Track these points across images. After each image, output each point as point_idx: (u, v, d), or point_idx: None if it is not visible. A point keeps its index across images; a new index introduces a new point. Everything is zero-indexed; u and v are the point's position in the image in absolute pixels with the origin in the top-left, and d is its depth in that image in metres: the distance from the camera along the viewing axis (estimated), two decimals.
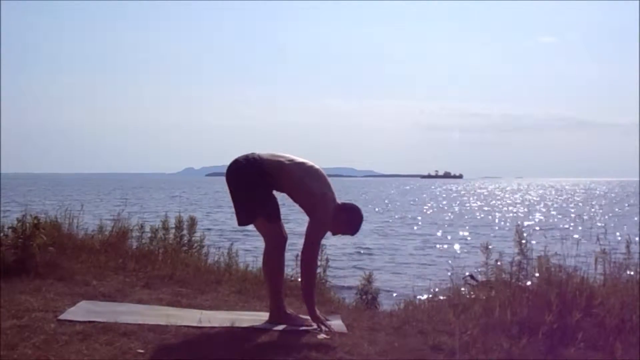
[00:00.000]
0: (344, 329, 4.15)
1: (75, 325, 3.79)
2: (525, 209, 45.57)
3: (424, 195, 75.88)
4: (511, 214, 39.00)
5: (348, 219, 4.26)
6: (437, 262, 16.10)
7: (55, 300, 4.44)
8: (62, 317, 3.98)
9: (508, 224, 27.70)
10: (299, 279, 4.42)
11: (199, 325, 3.98)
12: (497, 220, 33.18)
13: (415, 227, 28.64)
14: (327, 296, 5.63)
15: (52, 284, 4.98)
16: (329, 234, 4.30)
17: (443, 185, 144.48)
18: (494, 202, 59.39)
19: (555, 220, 33.53)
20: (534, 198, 69.85)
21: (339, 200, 4.28)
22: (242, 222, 4.19)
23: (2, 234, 5.56)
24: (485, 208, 47.75)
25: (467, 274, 6.26)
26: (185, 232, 6.86)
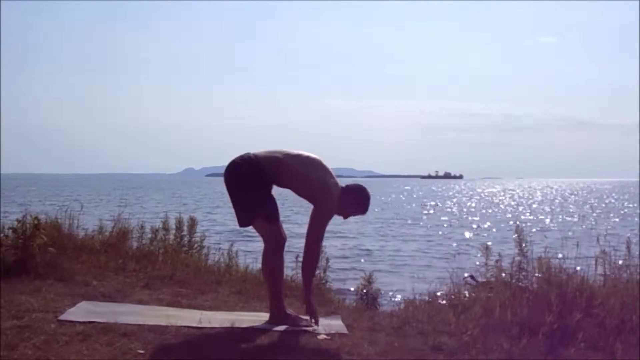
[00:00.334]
0: (344, 329, 4.15)
1: (76, 325, 3.79)
2: (525, 210, 45.56)
3: (424, 196, 75.89)
4: (511, 215, 38.99)
5: (355, 200, 4.29)
6: (437, 262, 16.09)
7: (55, 301, 4.44)
8: (62, 317, 3.98)
9: (508, 225, 27.68)
10: (300, 276, 4.42)
11: (199, 325, 3.98)
12: (497, 221, 33.17)
13: (415, 228, 28.64)
14: (327, 297, 5.63)
15: (52, 284, 4.98)
16: (338, 218, 4.29)
17: (443, 186, 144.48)
18: (494, 202, 59.38)
19: (556, 220, 33.52)
20: (534, 198, 69.83)
21: (342, 184, 4.28)
22: (242, 223, 4.20)
23: (2, 235, 5.56)
24: (485, 208, 47.74)
25: (467, 274, 6.25)
26: (185, 232, 6.86)
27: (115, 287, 5.12)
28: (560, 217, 36.81)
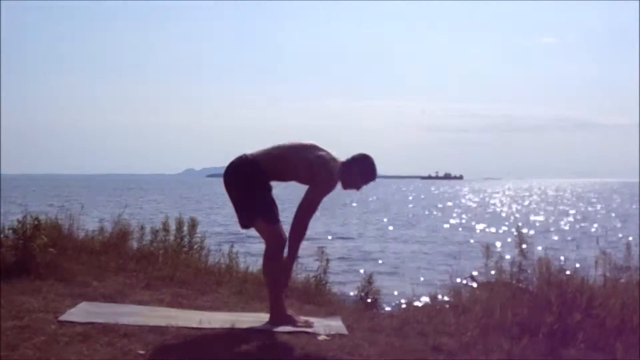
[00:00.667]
0: (344, 330, 4.15)
1: (76, 326, 3.79)
2: (526, 210, 45.55)
3: (425, 197, 75.89)
4: (512, 215, 38.97)
5: (362, 169, 4.27)
6: (437, 263, 16.10)
7: (55, 301, 4.44)
8: (62, 318, 3.97)
9: (508, 225, 27.68)
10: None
11: (200, 326, 3.98)
12: (497, 222, 33.15)
13: (415, 229, 28.63)
14: (327, 297, 5.63)
15: (52, 284, 4.98)
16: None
17: (443, 186, 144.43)
18: (494, 203, 59.36)
19: (556, 221, 33.52)
20: (535, 199, 69.81)
21: (342, 159, 4.27)
22: (243, 224, 4.21)
23: (2, 235, 5.57)
24: (485, 209, 47.72)
25: (467, 275, 6.25)
26: (185, 233, 6.86)
27: (115, 287, 5.12)
28: (560, 217, 36.80)
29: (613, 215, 39.63)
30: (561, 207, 50.54)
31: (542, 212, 42.59)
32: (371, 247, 19.69)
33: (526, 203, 59.70)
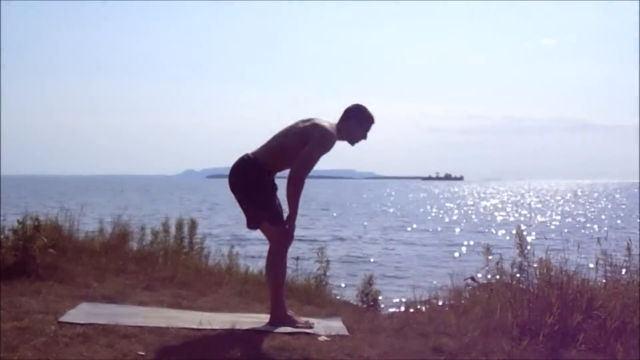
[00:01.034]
0: (344, 331, 4.15)
1: (76, 327, 3.78)
2: (527, 211, 45.56)
3: (425, 197, 75.88)
4: (512, 216, 38.98)
5: (359, 119, 4.29)
6: (437, 264, 16.10)
7: (55, 302, 4.43)
8: (62, 319, 3.97)
9: (509, 226, 27.68)
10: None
11: (200, 327, 3.98)
12: (498, 223, 33.16)
13: (415, 231, 28.63)
14: (327, 298, 5.63)
15: (52, 286, 4.98)
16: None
17: (444, 187, 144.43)
18: (494, 204, 59.37)
19: (556, 222, 33.52)
20: (535, 200, 69.81)
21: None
22: (251, 225, 4.23)
23: (2, 236, 5.57)
24: (486, 210, 47.73)
25: (468, 276, 6.25)
26: (185, 234, 6.87)
27: (115, 288, 5.12)
28: (561, 218, 36.79)
29: (613, 215, 39.63)
30: (561, 208, 50.54)
31: (542, 213, 42.59)
32: (371, 248, 19.69)
33: (526, 203, 59.70)
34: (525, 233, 5.26)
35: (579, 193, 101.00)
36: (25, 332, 3.63)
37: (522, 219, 35.17)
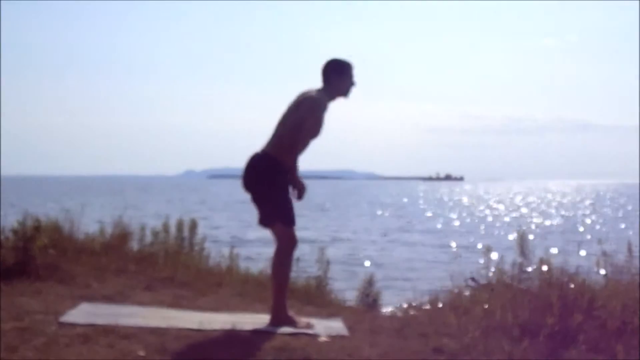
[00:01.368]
0: (345, 331, 4.15)
1: (76, 327, 3.79)
2: (527, 212, 45.55)
3: (425, 198, 75.90)
4: (513, 217, 38.97)
5: (338, 72, 4.26)
6: (438, 264, 16.09)
7: (55, 303, 4.43)
8: (62, 319, 3.97)
9: (509, 227, 27.67)
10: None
11: (200, 327, 3.98)
12: (498, 223, 33.15)
13: (416, 231, 28.64)
14: (328, 299, 5.62)
15: (52, 286, 4.98)
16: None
17: (444, 188, 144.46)
18: (495, 204, 59.36)
19: (557, 222, 33.51)
20: (536, 200, 69.81)
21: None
22: (263, 223, 4.24)
23: (2, 236, 5.57)
24: (487, 210, 47.72)
25: (468, 276, 6.24)
26: (186, 234, 6.86)
27: (115, 289, 5.12)
28: (561, 218, 36.78)
29: (614, 216, 39.63)
30: (561, 208, 50.53)
31: (542, 213, 42.58)
32: (372, 248, 19.69)
33: (527, 203, 59.69)
34: (525, 233, 5.26)
35: (579, 193, 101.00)
36: (25, 332, 3.63)
37: (521, 218, 35.15)
